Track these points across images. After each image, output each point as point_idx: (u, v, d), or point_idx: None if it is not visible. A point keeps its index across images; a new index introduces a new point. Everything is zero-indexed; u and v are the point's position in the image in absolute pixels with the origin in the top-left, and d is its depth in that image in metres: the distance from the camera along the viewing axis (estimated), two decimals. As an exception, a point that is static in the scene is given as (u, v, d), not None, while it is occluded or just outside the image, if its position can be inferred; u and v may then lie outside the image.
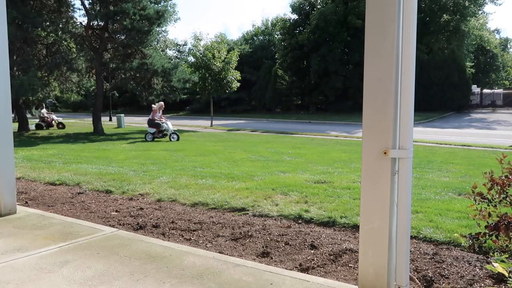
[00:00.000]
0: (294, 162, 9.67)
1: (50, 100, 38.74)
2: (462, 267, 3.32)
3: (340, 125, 27.29)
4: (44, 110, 25.69)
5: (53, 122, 24.83)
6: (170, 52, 53.79)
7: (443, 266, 3.34)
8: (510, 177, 3.09)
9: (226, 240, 4.09)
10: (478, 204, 3.19)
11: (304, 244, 3.93)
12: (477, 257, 3.49)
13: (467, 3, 38.15)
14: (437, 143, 16.25)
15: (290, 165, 8.98)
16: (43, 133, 21.52)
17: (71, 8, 21.48)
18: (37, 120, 25.46)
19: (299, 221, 4.72)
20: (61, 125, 24.70)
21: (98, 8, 20.86)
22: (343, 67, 36.79)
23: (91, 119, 23.03)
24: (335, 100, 38.03)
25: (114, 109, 41.71)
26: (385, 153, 2.52)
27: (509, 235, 2.95)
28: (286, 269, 3.31)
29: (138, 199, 5.87)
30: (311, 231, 4.32)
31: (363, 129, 2.63)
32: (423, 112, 30.88)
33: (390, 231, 2.56)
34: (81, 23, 22.01)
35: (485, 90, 45.82)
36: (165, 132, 16.78)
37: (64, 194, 6.21)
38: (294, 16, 42.39)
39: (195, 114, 44.85)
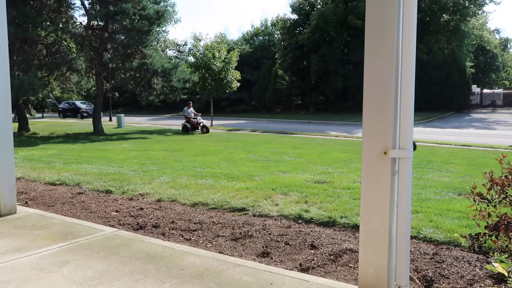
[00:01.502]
0: (294, 162, 9.67)
1: (50, 100, 38.60)
2: (462, 267, 3.32)
3: (340, 125, 27.28)
4: (191, 109, 22.18)
5: (199, 125, 21.51)
6: (170, 52, 53.77)
7: (443, 266, 3.34)
8: (509, 177, 3.09)
9: (226, 240, 4.09)
10: (478, 204, 3.19)
11: (304, 244, 3.93)
12: (477, 257, 3.49)
13: (467, 3, 38.17)
14: (437, 143, 16.24)
15: (290, 165, 8.98)
16: (43, 133, 21.51)
17: (71, 8, 21.48)
18: (183, 121, 22.35)
19: (299, 221, 4.71)
20: (205, 129, 21.23)
21: (98, 8, 20.86)
22: (343, 67, 36.80)
23: (91, 119, 22.97)
24: (335, 100, 38.05)
25: (114, 109, 41.72)
26: (385, 153, 2.52)
27: (509, 235, 2.95)
28: (286, 269, 3.31)
29: (138, 199, 5.87)
30: (311, 231, 4.32)
31: (363, 129, 2.62)
32: (423, 112, 30.88)
33: (390, 231, 2.56)
34: (81, 23, 22.02)
35: (485, 90, 45.86)
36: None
37: (64, 194, 6.21)
38: (294, 16, 42.43)
39: (195, 114, 44.78)
